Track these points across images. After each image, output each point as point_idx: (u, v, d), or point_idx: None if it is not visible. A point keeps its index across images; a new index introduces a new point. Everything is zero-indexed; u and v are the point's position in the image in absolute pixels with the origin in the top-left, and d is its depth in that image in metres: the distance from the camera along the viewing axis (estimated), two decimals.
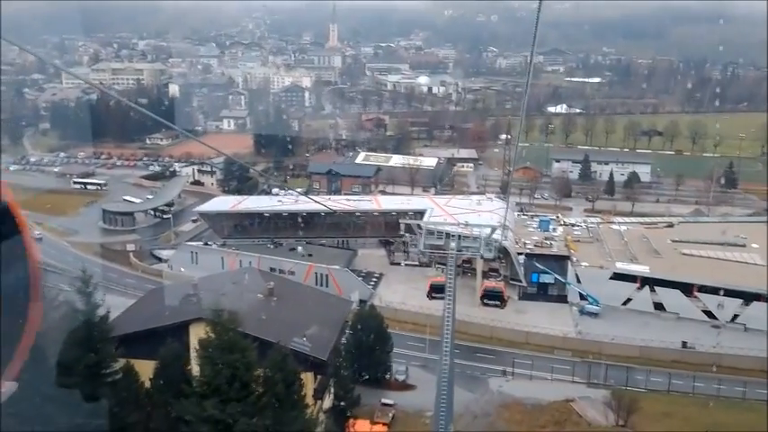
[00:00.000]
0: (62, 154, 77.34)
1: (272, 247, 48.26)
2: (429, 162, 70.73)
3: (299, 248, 47.78)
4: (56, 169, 72.32)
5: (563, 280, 42.94)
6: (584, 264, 43.42)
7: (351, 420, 27.71)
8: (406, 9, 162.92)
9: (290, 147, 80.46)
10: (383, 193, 63.92)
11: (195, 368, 19.62)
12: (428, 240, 28.42)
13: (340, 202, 51.60)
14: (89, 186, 66.15)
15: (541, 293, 43.69)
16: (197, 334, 24.43)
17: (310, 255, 47.27)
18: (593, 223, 51.31)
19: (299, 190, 61.70)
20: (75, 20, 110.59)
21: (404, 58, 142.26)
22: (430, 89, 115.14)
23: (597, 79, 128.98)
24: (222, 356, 16.98)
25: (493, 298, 42.63)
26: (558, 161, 75.18)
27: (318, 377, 26.13)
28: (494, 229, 28.32)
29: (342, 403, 27.06)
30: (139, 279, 46.67)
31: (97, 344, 18.38)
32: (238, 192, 61.61)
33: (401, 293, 44.21)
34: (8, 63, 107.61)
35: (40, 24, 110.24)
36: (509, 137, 78.37)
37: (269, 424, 17.06)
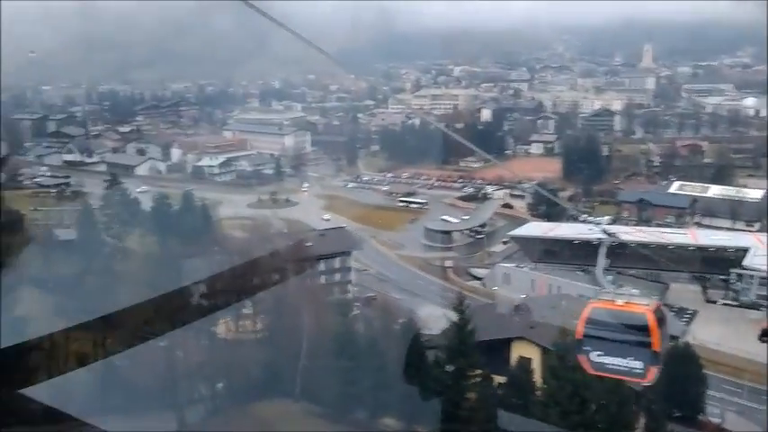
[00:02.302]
0: (389, 174, 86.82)
1: (581, 273, 49.72)
2: (754, 194, 65.70)
3: (610, 277, 48.43)
4: (384, 188, 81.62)
5: None
6: None
7: None
8: (731, 23, 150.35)
9: (598, 172, 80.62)
10: (699, 225, 61.32)
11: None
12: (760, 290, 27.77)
13: (652, 234, 51.16)
14: (412, 205, 73.74)
15: None
16: (519, 351, 27.38)
17: (621, 285, 47.59)
18: None
19: (607, 218, 61.94)
20: (399, 49, 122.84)
21: (727, 77, 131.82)
22: (757, 112, 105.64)
23: None
24: (566, 374, 19.49)
25: None
26: None
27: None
28: None
29: None
30: (456, 294, 51.45)
31: (464, 352, 22.12)
32: (547, 216, 63.78)
33: (717, 334, 42.47)
34: (345, 90, 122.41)
35: (370, 54, 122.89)
36: None
37: None
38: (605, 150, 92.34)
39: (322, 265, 41.62)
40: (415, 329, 27.76)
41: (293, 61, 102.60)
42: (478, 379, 21.95)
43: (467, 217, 67.66)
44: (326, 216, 65.58)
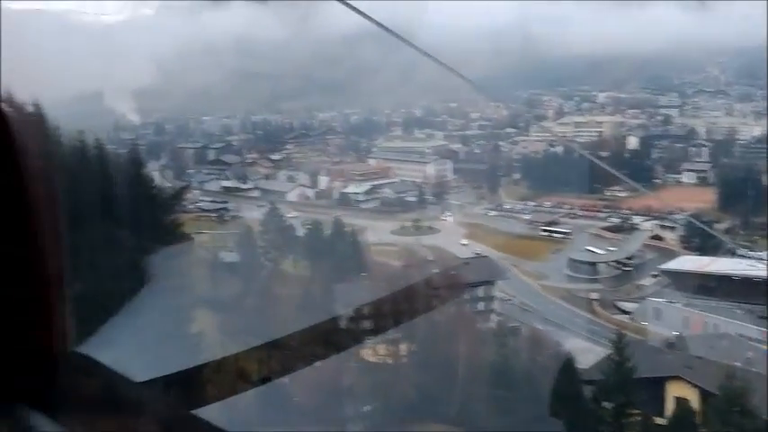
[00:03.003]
0: (531, 202, 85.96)
1: (739, 312, 46.91)
2: None
3: None
4: (525, 216, 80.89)
5: None
6: None
7: None
8: None
9: (758, 204, 75.54)
10: None
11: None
12: None
13: None
14: (554, 234, 72.57)
15: None
16: (675, 391, 26.42)
17: None
18: None
19: None
20: (541, 75, 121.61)
21: None
22: None
23: None
24: (736, 419, 18.83)
25: None
26: None
27: None
28: None
29: None
30: (603, 327, 50.07)
31: (624, 390, 21.92)
32: (700, 250, 60.75)
33: None
34: (486, 118, 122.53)
35: (511, 81, 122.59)
36: None
37: None
38: (765, 179, 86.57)
39: (467, 294, 42.08)
40: (567, 362, 27.49)
41: (435, 89, 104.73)
42: (638, 418, 21.54)
43: (613, 248, 65.66)
44: (464, 241, 66.06)
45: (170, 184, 58.84)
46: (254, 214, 60.59)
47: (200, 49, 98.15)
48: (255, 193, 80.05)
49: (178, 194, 42.93)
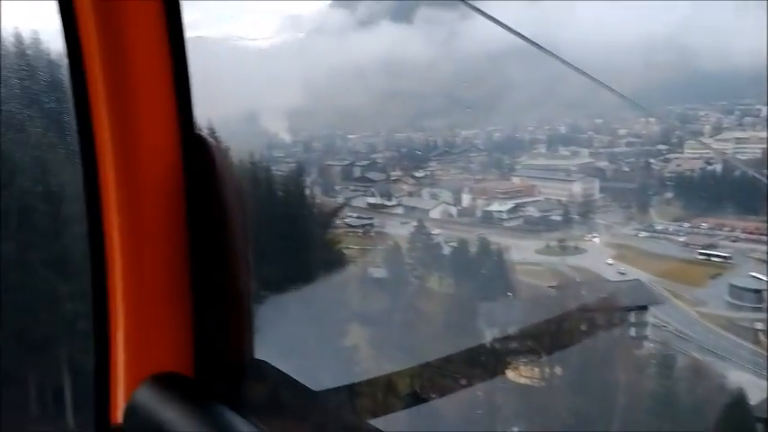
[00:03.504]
0: (685, 224, 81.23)
1: None
2: None
3: None
4: (680, 239, 76.55)
5: None
6: None
7: None
8: None
9: None
10: None
11: None
12: None
13: None
14: (713, 258, 68.13)
15: None
16: None
17: None
18: None
19: None
20: (697, 89, 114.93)
21: None
22: None
23: None
24: None
25: None
26: None
27: None
28: None
29: None
30: None
31: None
32: None
33: None
34: (635, 135, 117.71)
35: (664, 96, 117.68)
36: None
37: None
38: None
39: (620, 318, 40.60)
40: (737, 396, 25.77)
41: (581, 105, 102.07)
42: None
43: None
44: (610, 261, 63.67)
45: (321, 201, 61.33)
46: (398, 231, 61.79)
47: (347, 69, 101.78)
48: (399, 210, 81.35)
49: (335, 212, 44.76)
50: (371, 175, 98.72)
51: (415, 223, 60.79)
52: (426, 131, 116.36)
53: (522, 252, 63.42)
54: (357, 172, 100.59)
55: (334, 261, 35.22)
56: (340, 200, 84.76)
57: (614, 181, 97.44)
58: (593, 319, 34.83)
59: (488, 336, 35.14)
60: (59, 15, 3.12)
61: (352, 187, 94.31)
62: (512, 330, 33.82)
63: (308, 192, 47.53)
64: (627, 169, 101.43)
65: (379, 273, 45.53)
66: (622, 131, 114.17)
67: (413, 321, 36.23)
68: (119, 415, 3.08)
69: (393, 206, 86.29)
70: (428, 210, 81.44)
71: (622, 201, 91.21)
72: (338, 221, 66.14)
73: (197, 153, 3.16)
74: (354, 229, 68.58)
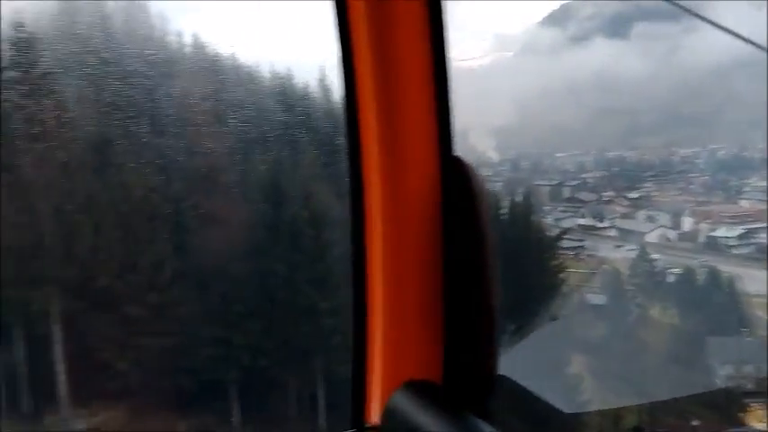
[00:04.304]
0: None
1: None
2: None
3: None
4: None
5: None
6: None
7: None
8: None
9: None
10: None
11: None
12: None
13: None
14: None
15: None
16: None
17: None
18: None
19: None
20: None
21: None
22: None
23: None
24: None
25: None
26: None
27: None
28: None
29: None
30: None
31: None
32: None
33: None
34: None
35: None
36: None
37: None
38: None
39: None
40: None
41: None
42: None
43: None
44: None
45: (539, 221, 60.47)
46: (612, 254, 59.28)
47: (558, 87, 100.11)
48: (612, 233, 77.93)
49: (559, 237, 44.21)
50: (582, 195, 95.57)
51: (631, 247, 57.93)
52: (641, 150, 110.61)
53: (756, 283, 57.97)
54: (566, 192, 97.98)
55: (553, 285, 34.76)
56: (549, 220, 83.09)
57: None
58: None
59: (721, 374, 32.68)
60: (338, 44, 3.39)
61: (561, 208, 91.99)
62: (748, 369, 31.22)
63: (528, 212, 47.24)
64: None
65: (597, 299, 44.03)
66: None
67: (635, 352, 34.64)
68: (373, 416, 3.36)
69: (605, 228, 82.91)
70: (644, 233, 77.10)
71: None
72: (559, 245, 64.98)
73: (455, 173, 3.32)
74: (565, 252, 66.69)
